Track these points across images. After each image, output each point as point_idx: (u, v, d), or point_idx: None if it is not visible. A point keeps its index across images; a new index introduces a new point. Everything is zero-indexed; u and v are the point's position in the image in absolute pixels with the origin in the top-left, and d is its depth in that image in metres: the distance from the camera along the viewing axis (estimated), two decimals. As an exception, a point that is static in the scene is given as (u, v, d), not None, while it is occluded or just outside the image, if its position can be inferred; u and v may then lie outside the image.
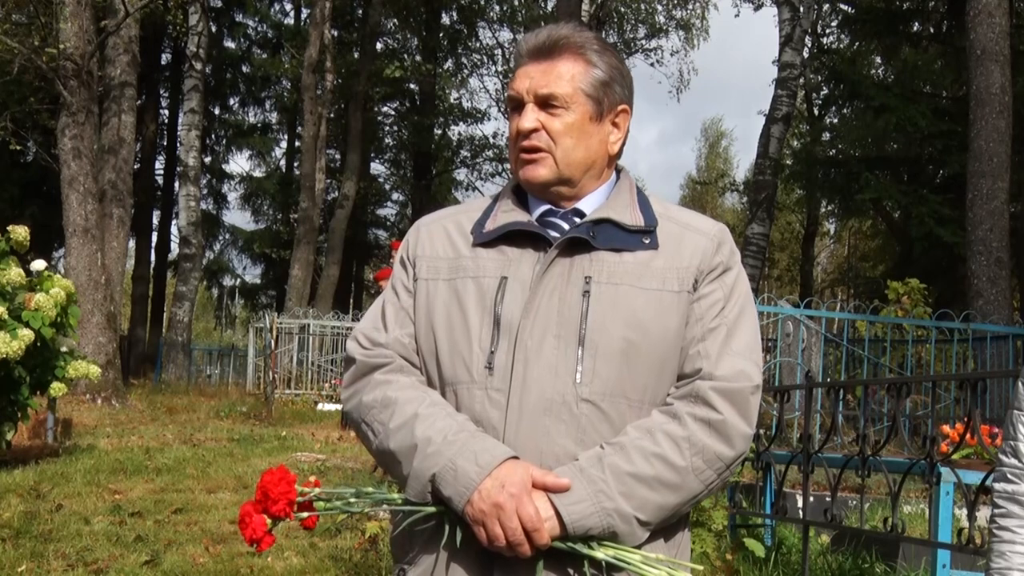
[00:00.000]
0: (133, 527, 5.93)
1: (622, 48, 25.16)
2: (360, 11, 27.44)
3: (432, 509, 1.56)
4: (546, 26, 1.71)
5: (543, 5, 27.14)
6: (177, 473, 7.94)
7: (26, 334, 7.10)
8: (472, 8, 28.00)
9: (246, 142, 29.15)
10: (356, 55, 25.40)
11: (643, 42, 27.57)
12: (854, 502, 6.55)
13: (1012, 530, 1.84)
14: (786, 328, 10.16)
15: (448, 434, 1.55)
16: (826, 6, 24.27)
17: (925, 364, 11.30)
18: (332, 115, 25.06)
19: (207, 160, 27.51)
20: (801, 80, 21.67)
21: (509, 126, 1.72)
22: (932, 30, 21.64)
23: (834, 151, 24.72)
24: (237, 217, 60.59)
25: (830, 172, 21.36)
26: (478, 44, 29.58)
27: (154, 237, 27.86)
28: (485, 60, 29.58)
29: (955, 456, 4.19)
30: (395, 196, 32.33)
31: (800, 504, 5.48)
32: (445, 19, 29.15)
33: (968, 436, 3.92)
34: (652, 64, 27.79)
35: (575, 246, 1.64)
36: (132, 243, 23.62)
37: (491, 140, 29.92)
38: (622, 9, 26.60)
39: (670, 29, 27.50)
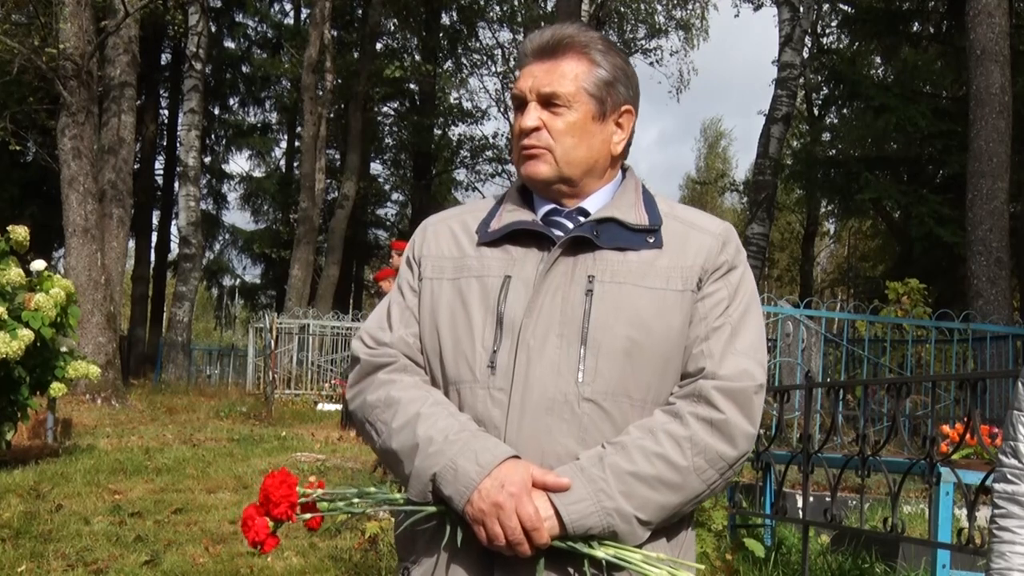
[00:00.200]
0: (133, 527, 5.93)
1: (622, 48, 25.11)
2: (360, 11, 27.44)
3: (433, 509, 1.56)
4: (551, 25, 1.71)
5: (543, 5, 27.14)
6: (177, 473, 7.93)
7: (26, 334, 7.10)
8: (472, 8, 27.98)
9: (246, 142, 29.15)
10: (356, 55, 25.39)
11: (643, 42, 27.60)
12: (854, 502, 6.54)
13: (1012, 530, 1.84)
14: (786, 328, 10.15)
15: (449, 434, 1.55)
16: (826, 6, 24.28)
17: (925, 364, 11.30)
18: (332, 115, 25.04)
19: (207, 160, 27.49)
20: (801, 80, 21.67)
21: (512, 124, 1.72)
22: (932, 30, 21.63)
23: (834, 151, 24.73)
24: (237, 217, 60.75)
25: (830, 172, 21.33)
26: (478, 44, 29.59)
27: (154, 237, 27.87)
28: (485, 60, 29.59)
29: (955, 456, 4.18)
30: (395, 196, 32.37)
31: (800, 504, 5.47)
32: (445, 19, 29.15)
33: (968, 436, 3.92)
34: (652, 64, 27.80)
35: (579, 245, 1.63)
36: (132, 243, 23.63)
37: (491, 140, 29.94)
38: (622, 9, 26.59)
39: (670, 29, 27.52)
